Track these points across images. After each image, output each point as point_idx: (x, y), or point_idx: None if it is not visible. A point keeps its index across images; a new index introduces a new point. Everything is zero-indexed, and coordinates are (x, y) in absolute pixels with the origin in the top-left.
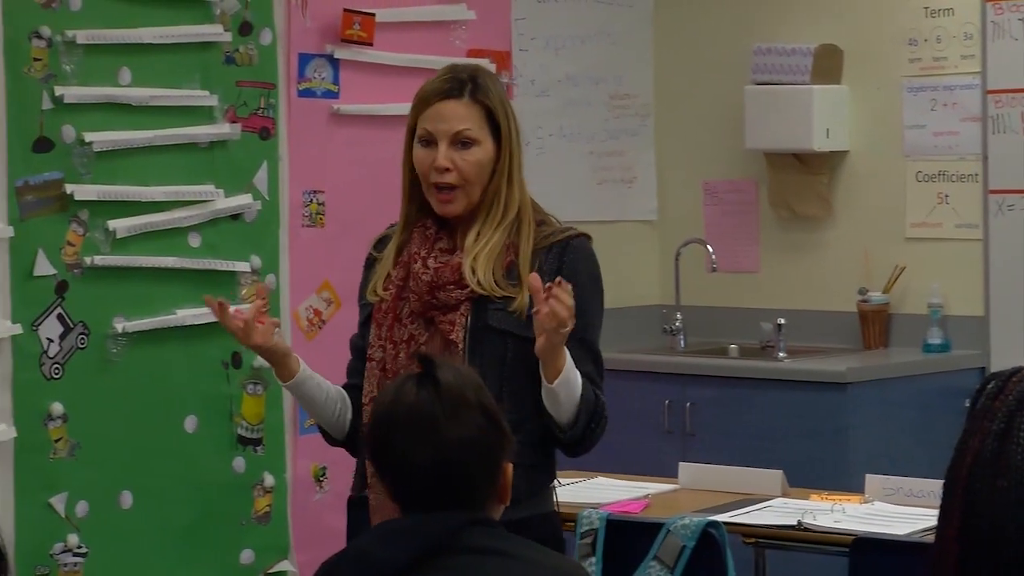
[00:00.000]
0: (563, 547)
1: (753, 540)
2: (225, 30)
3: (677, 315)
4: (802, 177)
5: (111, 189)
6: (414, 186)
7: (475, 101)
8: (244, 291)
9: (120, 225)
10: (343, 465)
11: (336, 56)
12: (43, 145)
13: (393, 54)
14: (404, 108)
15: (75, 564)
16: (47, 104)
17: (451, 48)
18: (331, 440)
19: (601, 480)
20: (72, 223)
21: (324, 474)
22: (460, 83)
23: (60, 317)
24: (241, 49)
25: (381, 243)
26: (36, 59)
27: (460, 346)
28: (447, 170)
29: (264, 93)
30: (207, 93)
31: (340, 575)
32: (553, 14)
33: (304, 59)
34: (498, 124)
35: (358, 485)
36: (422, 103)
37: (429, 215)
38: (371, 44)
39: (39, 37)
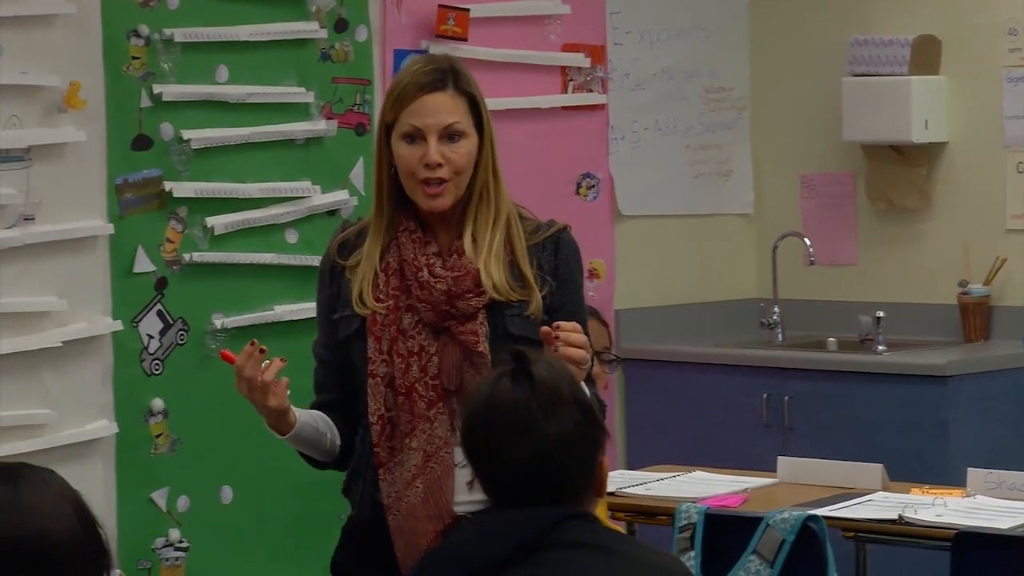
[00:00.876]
0: None
1: (853, 534)
2: (321, 27)
3: (775, 309)
4: (900, 169)
5: (209, 186)
6: (391, 185)
7: (460, 92)
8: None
9: (218, 222)
10: None
11: (431, 51)
12: (142, 143)
13: (488, 49)
14: (499, 103)
15: (176, 559)
16: (146, 102)
17: (545, 42)
18: (316, 464)
19: (699, 474)
20: (171, 220)
21: None
22: (443, 74)
23: (160, 314)
24: (337, 46)
25: (343, 248)
26: (135, 57)
27: (487, 357)
28: (439, 165)
29: (360, 89)
30: (303, 90)
31: (436, 570)
32: (648, 7)
33: (399, 55)
34: (481, 116)
35: (367, 505)
36: (405, 97)
37: (411, 217)
38: (466, 39)
39: (137, 36)
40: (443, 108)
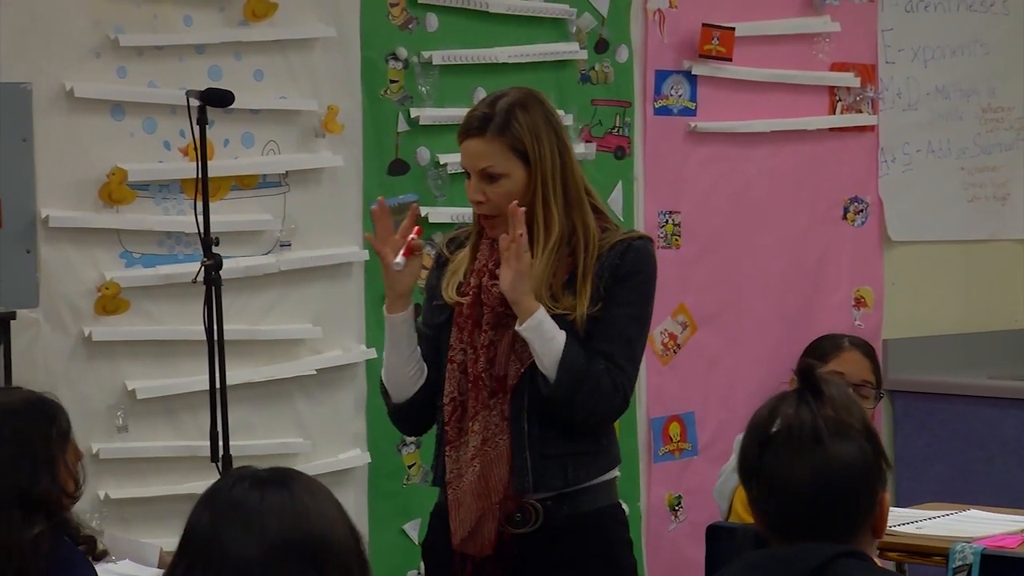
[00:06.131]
0: (630, 547)
1: None
2: (581, 48)
3: None
4: None
5: (465, 212)
6: None
7: (496, 136)
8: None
9: None
10: (699, 494)
11: (693, 72)
12: (398, 167)
13: (753, 69)
14: (764, 125)
15: None
16: (403, 126)
17: (814, 62)
18: (388, 403)
19: (974, 512)
20: (427, 246)
21: (679, 503)
22: (481, 120)
23: None
24: (597, 67)
25: (452, 243)
26: (393, 81)
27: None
28: (480, 202)
29: (619, 111)
30: (562, 112)
31: None
32: (923, 24)
33: (661, 76)
34: (527, 153)
35: (441, 484)
36: (459, 138)
37: None
38: (730, 59)
39: (396, 59)
40: (476, 152)
